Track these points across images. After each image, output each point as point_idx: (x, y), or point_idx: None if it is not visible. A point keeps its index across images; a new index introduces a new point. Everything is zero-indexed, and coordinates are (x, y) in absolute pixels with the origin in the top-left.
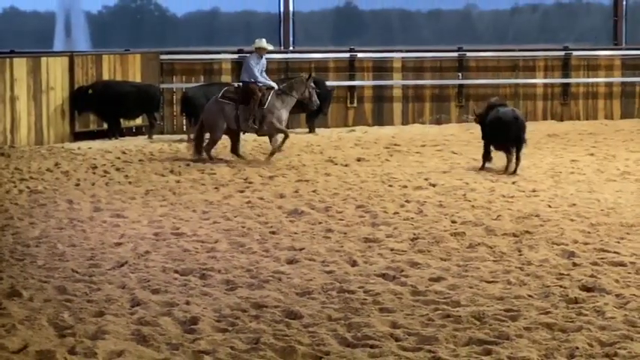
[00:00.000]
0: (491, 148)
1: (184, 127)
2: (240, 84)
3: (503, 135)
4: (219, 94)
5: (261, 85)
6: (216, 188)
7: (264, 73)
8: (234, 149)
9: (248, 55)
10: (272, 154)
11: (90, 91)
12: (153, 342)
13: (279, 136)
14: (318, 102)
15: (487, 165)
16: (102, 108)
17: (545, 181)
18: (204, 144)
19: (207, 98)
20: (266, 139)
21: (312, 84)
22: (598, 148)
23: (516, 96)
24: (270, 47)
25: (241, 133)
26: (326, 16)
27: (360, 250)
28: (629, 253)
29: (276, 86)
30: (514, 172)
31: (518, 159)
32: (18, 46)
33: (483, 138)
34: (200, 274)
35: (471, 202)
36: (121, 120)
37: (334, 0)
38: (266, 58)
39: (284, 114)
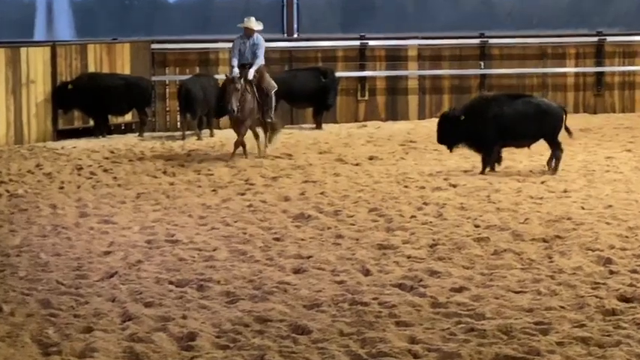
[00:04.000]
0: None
1: (178, 123)
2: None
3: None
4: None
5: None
6: (214, 191)
7: (259, 56)
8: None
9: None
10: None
11: (70, 86)
12: None
13: None
14: (234, 110)
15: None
16: (87, 103)
17: (578, 180)
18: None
19: (203, 90)
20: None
21: (238, 85)
22: (636, 144)
23: (544, 86)
24: (259, 27)
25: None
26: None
27: (373, 258)
28: None
29: (235, 73)
30: (555, 171)
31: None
32: None
33: (488, 136)
34: (197, 285)
35: (495, 204)
36: (109, 116)
37: None
38: (265, 47)
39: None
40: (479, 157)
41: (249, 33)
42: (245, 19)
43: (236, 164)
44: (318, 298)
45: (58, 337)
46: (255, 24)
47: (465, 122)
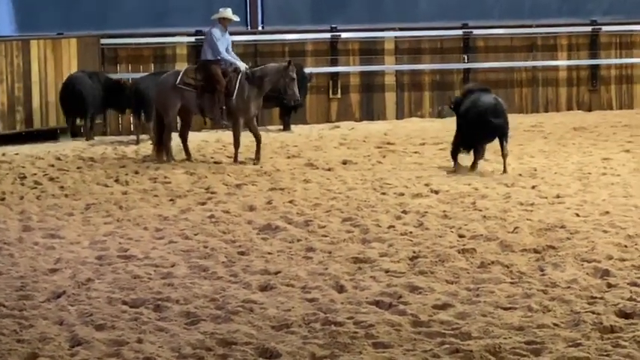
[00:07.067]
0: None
1: (132, 125)
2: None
3: (482, 127)
4: (178, 79)
5: (224, 65)
6: (171, 200)
7: (231, 51)
8: (184, 135)
9: (209, 28)
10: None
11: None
12: None
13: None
14: (299, 97)
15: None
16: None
17: (572, 184)
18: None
19: None
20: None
21: (293, 73)
22: (635, 144)
23: (534, 82)
24: (237, 18)
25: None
26: None
27: (348, 273)
28: None
29: (244, 67)
30: (504, 171)
31: (504, 155)
32: None
33: (458, 131)
34: (154, 305)
35: (482, 211)
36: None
37: None
38: (231, 40)
39: (253, 108)
40: (463, 160)
41: (226, 25)
42: (221, 9)
43: (196, 170)
44: (287, 318)
45: None
46: (232, 15)
47: None
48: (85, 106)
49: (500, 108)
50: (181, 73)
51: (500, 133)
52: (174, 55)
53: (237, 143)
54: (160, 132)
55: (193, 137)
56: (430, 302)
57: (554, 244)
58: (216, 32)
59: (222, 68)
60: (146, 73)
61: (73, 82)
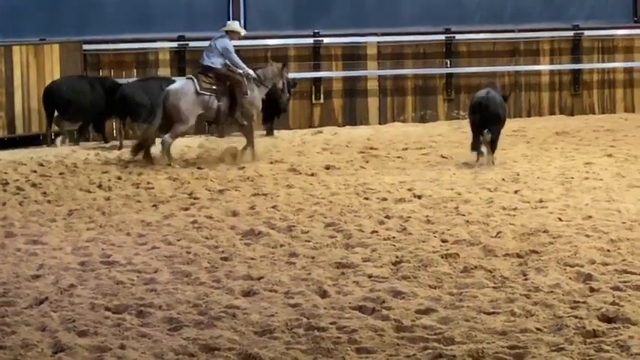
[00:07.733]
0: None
1: (115, 131)
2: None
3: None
4: (198, 86)
5: (240, 71)
6: (154, 206)
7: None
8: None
9: (220, 37)
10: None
11: None
12: None
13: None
14: (289, 96)
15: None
16: None
17: (555, 189)
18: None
19: (147, 95)
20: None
21: (287, 74)
22: (617, 148)
23: (517, 86)
24: (244, 32)
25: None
26: None
27: (331, 278)
28: None
29: (253, 73)
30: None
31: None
32: None
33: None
34: (137, 311)
35: (464, 216)
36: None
37: None
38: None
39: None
40: (446, 165)
41: (234, 37)
42: (229, 22)
43: (179, 176)
44: (270, 324)
45: None
46: (239, 28)
47: None
48: (60, 109)
49: (485, 102)
50: (196, 80)
51: (483, 124)
52: (156, 61)
53: (253, 143)
54: (150, 137)
55: (176, 143)
56: (413, 307)
57: (537, 248)
58: (229, 44)
59: (237, 73)
60: (130, 79)
61: (48, 86)
